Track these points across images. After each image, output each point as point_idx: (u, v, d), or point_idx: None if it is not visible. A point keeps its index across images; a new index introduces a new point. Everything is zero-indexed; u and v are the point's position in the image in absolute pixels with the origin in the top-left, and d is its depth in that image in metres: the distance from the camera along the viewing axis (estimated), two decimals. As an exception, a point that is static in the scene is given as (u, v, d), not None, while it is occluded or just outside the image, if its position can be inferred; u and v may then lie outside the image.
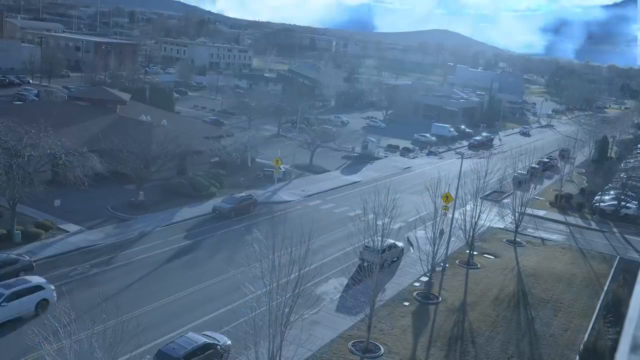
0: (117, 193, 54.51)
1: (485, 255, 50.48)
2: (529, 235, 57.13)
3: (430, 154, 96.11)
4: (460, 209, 44.99)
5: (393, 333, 35.10)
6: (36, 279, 34.58)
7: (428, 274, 41.09)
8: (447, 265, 45.15)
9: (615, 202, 66.86)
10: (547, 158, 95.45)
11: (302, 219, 53.47)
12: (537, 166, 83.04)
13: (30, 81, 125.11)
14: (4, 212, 44.95)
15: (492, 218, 48.08)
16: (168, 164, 56.21)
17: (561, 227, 62.45)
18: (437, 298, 40.70)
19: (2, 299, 31.62)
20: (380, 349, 33.03)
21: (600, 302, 42.85)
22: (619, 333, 36.91)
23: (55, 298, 33.69)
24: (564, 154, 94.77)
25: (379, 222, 33.02)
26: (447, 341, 34.98)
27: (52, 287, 34.31)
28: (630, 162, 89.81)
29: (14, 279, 34.16)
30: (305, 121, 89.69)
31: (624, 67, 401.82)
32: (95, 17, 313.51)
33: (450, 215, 45.21)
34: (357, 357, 32.13)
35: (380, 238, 32.47)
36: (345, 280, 41.25)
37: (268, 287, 23.75)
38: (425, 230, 43.98)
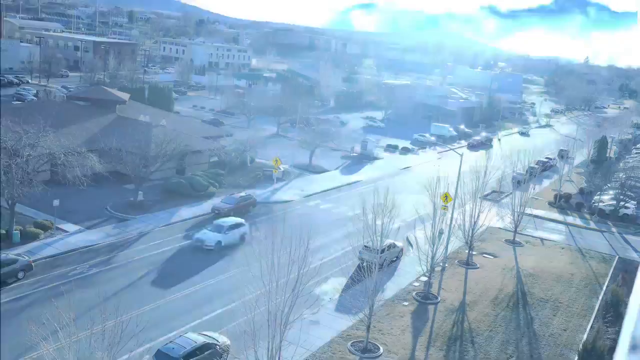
0: (116, 193, 54.49)
1: (484, 255, 50.50)
2: (528, 235, 57.14)
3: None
4: (459, 208, 45.00)
5: (392, 333, 35.11)
6: (238, 219, 48.39)
7: (427, 274, 41.09)
8: (446, 265, 45.17)
9: (614, 202, 66.88)
10: (546, 158, 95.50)
11: (302, 218, 53.47)
12: (536, 166, 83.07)
13: (29, 81, 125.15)
14: (3, 212, 44.89)
15: (491, 218, 48.09)
16: (167, 163, 56.21)
17: (560, 227, 62.49)
18: (436, 298, 40.71)
19: (225, 229, 45.94)
20: (379, 348, 33.03)
21: (599, 301, 42.88)
22: (618, 333, 36.95)
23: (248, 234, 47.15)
24: (563, 154, 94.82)
25: (378, 222, 33.00)
26: (446, 341, 34.99)
27: (247, 225, 48.24)
28: (629, 162, 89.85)
29: (225, 218, 48.16)
30: (304, 121, 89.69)
31: (623, 67, 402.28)
32: (94, 16, 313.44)
33: (450, 215, 45.20)
34: (356, 357, 32.13)
35: (379, 238, 32.48)
36: (344, 280, 41.29)
37: (267, 287, 23.73)
38: (424, 230, 43.90)
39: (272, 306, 23.51)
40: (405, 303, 39.47)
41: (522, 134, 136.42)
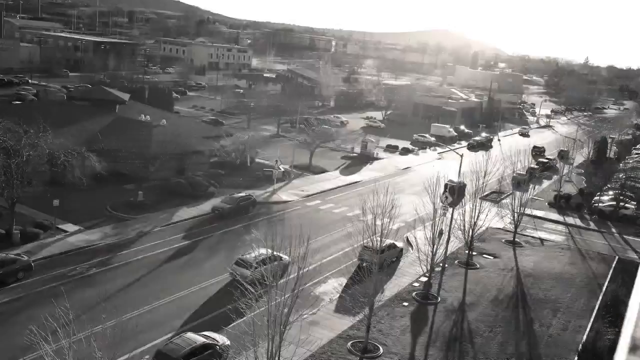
0: (116, 193, 54.47)
1: (484, 255, 50.50)
2: (527, 236, 57.15)
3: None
4: (459, 209, 44.98)
5: (392, 333, 35.11)
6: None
7: (427, 274, 41.09)
8: (446, 265, 45.18)
9: (614, 203, 66.88)
10: (545, 159, 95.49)
11: (301, 219, 53.52)
12: (536, 167, 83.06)
13: (29, 81, 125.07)
14: (3, 212, 44.91)
15: (491, 218, 48.09)
16: (167, 163, 56.22)
17: (560, 227, 62.47)
18: (436, 298, 40.70)
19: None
20: (379, 349, 33.03)
21: (598, 302, 42.84)
22: (617, 333, 36.93)
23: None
24: (563, 155, 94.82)
25: (378, 223, 33.00)
26: (446, 341, 34.98)
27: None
28: (629, 163, 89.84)
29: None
30: (304, 121, 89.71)
31: (623, 67, 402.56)
32: (94, 16, 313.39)
33: (450, 216, 45.21)
34: (356, 357, 32.12)
35: (379, 238, 32.48)
36: (344, 281, 41.31)
37: (267, 287, 23.72)
38: (424, 230, 43.96)
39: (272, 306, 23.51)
40: (405, 303, 39.47)
41: (522, 134, 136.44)
